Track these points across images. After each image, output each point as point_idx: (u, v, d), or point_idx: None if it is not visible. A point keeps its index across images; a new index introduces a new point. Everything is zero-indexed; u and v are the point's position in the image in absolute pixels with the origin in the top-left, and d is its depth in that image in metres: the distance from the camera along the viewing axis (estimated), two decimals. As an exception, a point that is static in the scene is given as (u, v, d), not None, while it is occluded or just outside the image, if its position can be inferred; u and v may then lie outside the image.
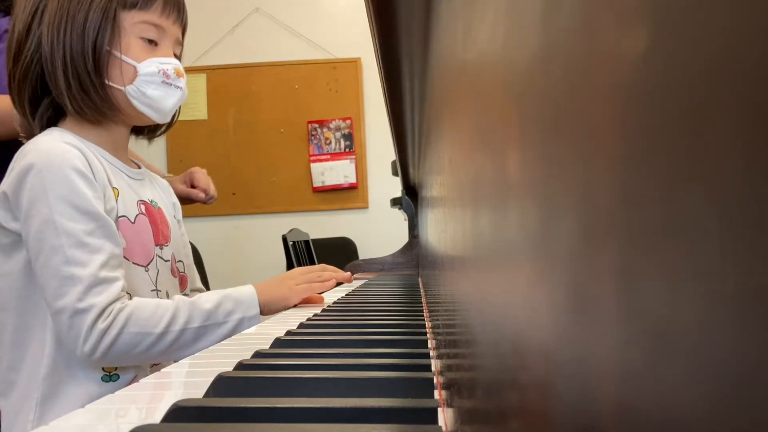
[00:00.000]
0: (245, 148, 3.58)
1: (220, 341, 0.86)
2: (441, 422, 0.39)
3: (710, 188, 0.07)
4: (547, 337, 0.14)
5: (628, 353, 0.09)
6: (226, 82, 3.61)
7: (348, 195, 3.67)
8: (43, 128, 0.89)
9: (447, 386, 0.39)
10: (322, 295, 1.17)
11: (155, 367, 0.94)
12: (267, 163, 3.62)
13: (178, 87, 0.92)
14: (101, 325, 0.78)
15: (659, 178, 0.08)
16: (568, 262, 0.12)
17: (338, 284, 1.40)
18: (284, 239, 2.70)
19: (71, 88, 0.85)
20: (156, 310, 0.84)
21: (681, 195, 0.07)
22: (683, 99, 0.07)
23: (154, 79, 0.89)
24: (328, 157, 3.66)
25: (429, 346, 0.64)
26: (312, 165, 3.66)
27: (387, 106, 0.97)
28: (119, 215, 0.88)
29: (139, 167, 1.01)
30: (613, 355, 0.10)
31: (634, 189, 0.09)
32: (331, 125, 3.68)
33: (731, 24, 0.06)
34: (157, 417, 0.41)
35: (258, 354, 0.60)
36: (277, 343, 0.67)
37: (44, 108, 0.89)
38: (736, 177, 0.06)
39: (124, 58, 0.88)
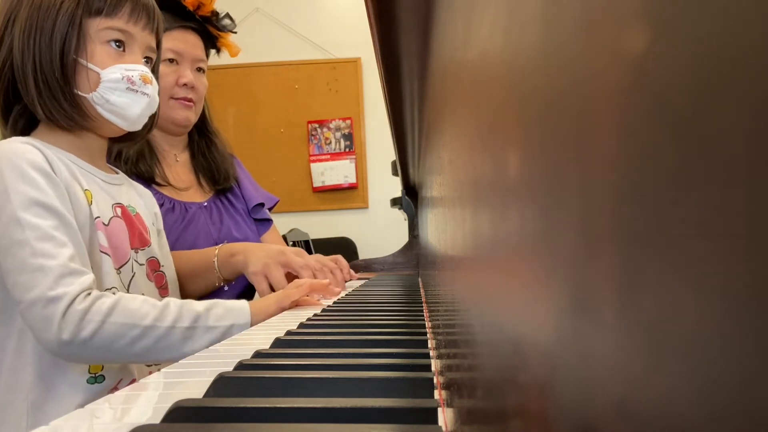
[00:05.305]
0: (245, 147, 3.58)
1: (207, 347, 0.85)
2: (441, 422, 0.39)
3: (710, 188, 0.07)
4: (547, 337, 0.14)
5: (628, 353, 0.09)
6: (226, 82, 3.61)
7: (348, 195, 3.67)
8: (16, 135, 0.89)
9: (447, 386, 0.39)
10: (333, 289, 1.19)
11: (146, 368, 0.94)
12: (267, 163, 3.62)
13: (144, 93, 0.91)
14: (79, 306, 0.75)
15: (659, 178, 0.08)
16: (568, 262, 0.12)
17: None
18: (284, 239, 2.70)
19: (42, 95, 0.85)
20: (144, 303, 0.81)
21: (681, 195, 0.07)
22: (683, 99, 0.07)
23: (117, 85, 0.88)
24: (328, 157, 3.67)
25: (429, 346, 0.64)
26: (312, 165, 3.66)
27: (387, 106, 0.97)
28: (94, 217, 0.87)
29: (117, 173, 1.02)
30: (613, 356, 0.10)
31: (634, 189, 0.09)
32: (331, 125, 3.68)
33: (731, 24, 0.06)
34: (157, 417, 0.41)
35: (258, 354, 0.60)
36: (277, 343, 0.67)
37: (17, 114, 0.89)
38: (736, 177, 0.06)
39: (89, 65, 0.87)
